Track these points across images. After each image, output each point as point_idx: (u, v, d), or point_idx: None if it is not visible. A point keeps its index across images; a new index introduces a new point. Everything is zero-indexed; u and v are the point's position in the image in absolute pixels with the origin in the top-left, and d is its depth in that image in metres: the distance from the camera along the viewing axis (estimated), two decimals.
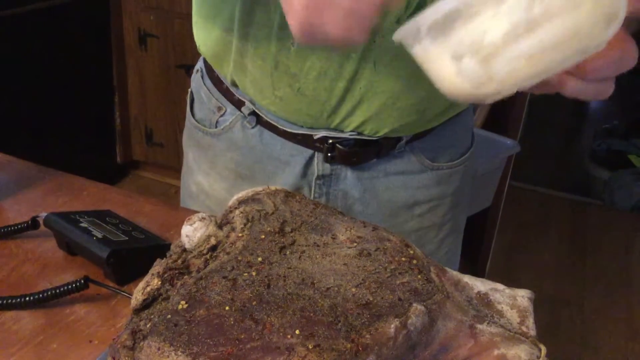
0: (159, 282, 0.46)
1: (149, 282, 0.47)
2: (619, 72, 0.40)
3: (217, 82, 0.77)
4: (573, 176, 2.90)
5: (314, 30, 0.39)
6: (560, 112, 3.48)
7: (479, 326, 0.46)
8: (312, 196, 0.77)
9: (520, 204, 2.69)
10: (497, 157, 1.90)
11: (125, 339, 0.43)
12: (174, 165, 2.48)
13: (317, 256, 0.49)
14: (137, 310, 0.46)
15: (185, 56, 2.30)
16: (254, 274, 0.46)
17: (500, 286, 0.51)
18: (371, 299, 0.44)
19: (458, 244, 0.89)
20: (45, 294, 0.59)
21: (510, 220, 2.51)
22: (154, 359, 0.40)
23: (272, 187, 0.57)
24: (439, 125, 0.75)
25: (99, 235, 0.64)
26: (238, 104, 0.75)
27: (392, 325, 0.42)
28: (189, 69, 2.28)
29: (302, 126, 0.72)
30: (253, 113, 0.74)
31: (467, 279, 0.52)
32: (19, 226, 0.68)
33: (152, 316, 0.44)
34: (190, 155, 0.85)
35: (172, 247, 0.52)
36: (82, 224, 0.65)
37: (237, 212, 0.53)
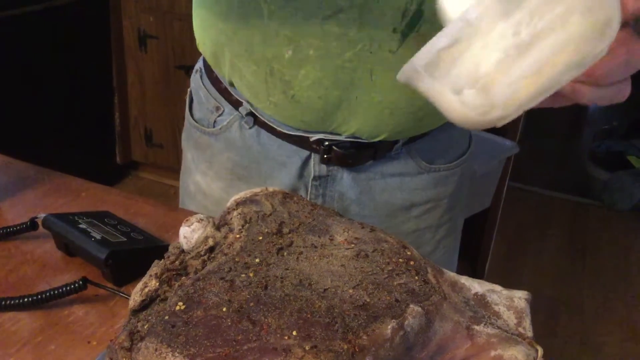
0: (157, 283, 0.47)
1: (147, 283, 0.47)
2: (629, 72, 0.40)
3: (215, 82, 0.78)
4: (572, 177, 2.90)
5: None
6: (559, 113, 3.47)
7: (476, 327, 0.46)
8: (308, 197, 0.77)
9: (520, 205, 2.69)
10: (496, 158, 1.91)
11: (123, 340, 0.43)
12: (173, 166, 2.48)
13: (315, 257, 0.49)
14: (135, 312, 0.46)
15: (184, 57, 2.30)
16: (251, 275, 0.46)
17: (497, 287, 0.51)
18: (368, 300, 0.45)
19: (455, 246, 0.89)
20: (43, 295, 0.59)
21: (510, 221, 2.51)
22: None
23: (270, 189, 0.57)
24: (437, 127, 0.76)
25: (98, 237, 0.64)
26: (236, 104, 0.75)
27: (389, 327, 0.42)
28: (188, 70, 2.28)
29: (298, 129, 0.72)
30: (250, 113, 0.74)
31: (464, 280, 0.52)
32: (18, 227, 0.68)
33: (149, 317, 0.44)
34: (188, 155, 0.85)
35: (170, 248, 0.52)
36: (81, 225, 0.66)
37: (234, 213, 0.53)
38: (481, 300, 0.50)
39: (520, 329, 0.49)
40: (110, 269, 0.62)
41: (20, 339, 0.56)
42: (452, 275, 0.52)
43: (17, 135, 2.06)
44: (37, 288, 0.61)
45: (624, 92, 0.41)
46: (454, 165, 0.79)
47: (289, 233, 0.52)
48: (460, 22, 0.35)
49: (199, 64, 0.83)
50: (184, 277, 0.47)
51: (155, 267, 0.48)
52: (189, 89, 0.85)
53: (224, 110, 0.77)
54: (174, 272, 0.48)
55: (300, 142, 0.73)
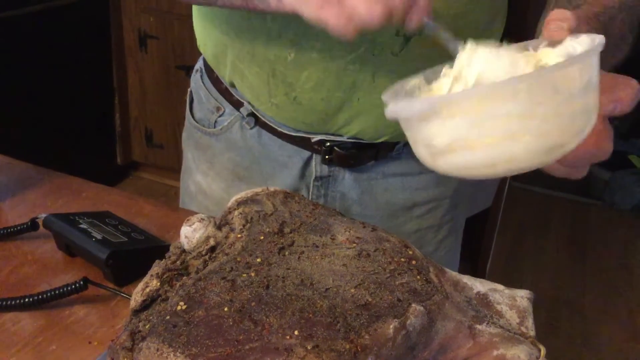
0: (158, 283, 0.46)
1: (148, 283, 0.47)
2: (591, 162, 0.46)
3: (216, 82, 0.77)
4: None
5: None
6: None
7: (478, 327, 0.46)
8: (310, 197, 0.77)
9: (521, 205, 2.69)
10: None
11: (124, 340, 0.43)
12: (173, 166, 2.48)
13: (316, 257, 0.49)
14: (136, 312, 0.46)
15: (185, 57, 2.30)
16: (252, 274, 0.46)
17: (499, 287, 0.51)
18: (370, 299, 0.44)
19: (457, 245, 0.89)
20: (44, 295, 0.59)
21: (511, 221, 2.50)
22: None
23: (271, 188, 0.57)
24: None
25: (99, 237, 0.64)
26: (237, 105, 0.75)
27: (391, 326, 0.42)
28: (188, 70, 2.26)
29: (299, 130, 0.72)
30: (252, 114, 0.74)
31: (467, 279, 0.52)
32: (19, 227, 0.68)
33: (151, 317, 0.44)
34: (189, 155, 0.85)
35: (171, 248, 0.52)
36: (82, 225, 0.65)
37: (236, 213, 0.53)
38: (483, 300, 0.50)
39: (523, 329, 0.48)
40: (111, 269, 0.62)
41: (21, 339, 0.56)
42: (454, 274, 0.52)
43: (18, 136, 2.05)
44: (38, 288, 0.61)
45: (580, 174, 0.47)
46: None
47: (291, 233, 0.52)
48: (427, 102, 0.42)
49: (199, 64, 0.83)
50: (185, 277, 0.47)
51: (157, 267, 0.48)
52: (189, 89, 0.84)
53: (224, 111, 0.77)
54: (175, 272, 0.48)
55: (302, 142, 0.73)
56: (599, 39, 0.41)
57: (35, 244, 0.69)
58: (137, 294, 0.46)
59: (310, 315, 0.42)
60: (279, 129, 0.73)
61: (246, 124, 0.75)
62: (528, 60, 0.43)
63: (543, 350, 0.46)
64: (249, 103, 0.74)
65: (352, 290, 0.45)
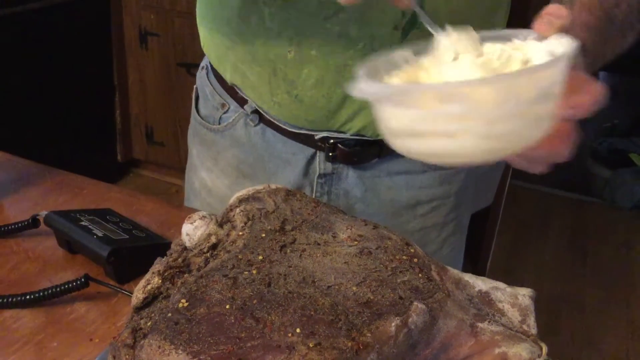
0: (160, 281, 0.46)
1: (150, 281, 0.47)
2: (548, 162, 0.47)
3: (221, 79, 0.78)
4: (574, 175, 2.89)
5: None
6: None
7: (480, 325, 0.46)
8: (313, 195, 0.77)
9: (521, 203, 2.68)
10: None
11: (126, 337, 0.43)
12: (174, 164, 2.48)
13: (318, 255, 0.49)
14: (138, 309, 0.46)
15: (186, 54, 2.29)
16: (254, 272, 0.46)
17: (501, 285, 0.51)
18: (372, 297, 0.44)
19: (461, 243, 0.89)
20: (45, 293, 0.59)
21: (511, 219, 2.50)
22: (155, 358, 0.40)
23: (273, 186, 0.57)
24: None
25: (100, 234, 0.64)
26: (241, 102, 0.76)
27: (393, 324, 0.42)
28: (189, 68, 2.28)
29: (302, 127, 0.72)
30: (256, 111, 0.75)
31: (468, 277, 0.52)
32: (20, 225, 0.68)
33: (152, 314, 0.44)
34: (194, 152, 0.86)
35: (172, 245, 0.52)
36: (83, 223, 0.65)
37: (237, 210, 0.53)
38: (485, 298, 0.50)
39: (525, 327, 0.48)
40: (112, 267, 0.62)
41: (22, 336, 0.56)
42: (455, 272, 0.52)
43: (19, 133, 2.05)
44: (39, 285, 0.61)
45: (540, 170, 0.48)
46: None
47: (292, 230, 0.51)
48: (385, 87, 0.43)
49: (205, 61, 0.83)
50: (186, 275, 0.47)
51: (158, 265, 0.48)
52: (194, 86, 0.85)
53: (229, 108, 0.77)
54: (176, 270, 0.48)
55: (306, 140, 0.73)
56: (570, 48, 0.42)
57: (36, 241, 0.69)
58: (139, 291, 0.46)
59: (312, 313, 0.42)
60: (283, 126, 0.73)
61: (250, 121, 0.75)
62: (501, 55, 0.44)
63: (545, 349, 0.46)
64: (253, 100, 0.74)
65: (354, 288, 0.45)
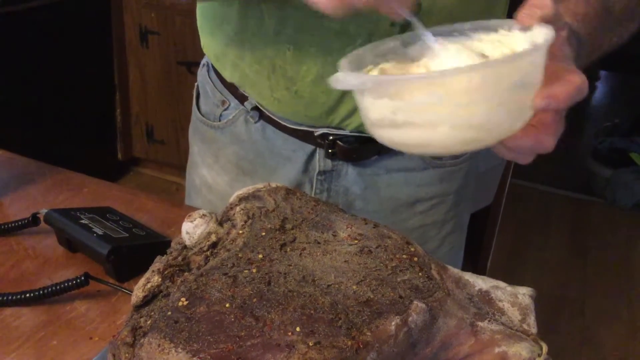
0: (160, 279, 0.46)
1: (150, 279, 0.47)
2: (533, 153, 0.47)
3: (221, 76, 0.78)
4: (575, 174, 2.89)
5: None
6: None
7: (480, 324, 0.46)
8: (313, 192, 0.77)
9: (522, 202, 2.68)
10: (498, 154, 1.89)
11: (126, 335, 0.43)
12: (174, 162, 2.48)
13: (318, 253, 0.49)
14: (138, 307, 0.46)
15: (186, 53, 2.29)
16: (254, 271, 0.46)
17: (501, 284, 0.51)
18: (372, 296, 0.44)
19: (461, 242, 0.89)
20: (45, 291, 0.59)
21: (512, 218, 2.50)
22: (155, 356, 0.40)
23: (273, 184, 0.57)
24: None
25: (100, 232, 0.64)
26: (241, 99, 0.76)
27: (393, 323, 0.42)
28: (190, 66, 2.27)
29: (302, 123, 0.72)
30: (256, 108, 0.75)
31: (469, 276, 0.51)
32: (20, 223, 0.68)
33: (152, 313, 0.44)
34: (195, 149, 0.86)
35: (172, 244, 0.52)
36: (83, 221, 0.65)
37: (237, 209, 0.53)
38: (485, 297, 0.50)
39: (525, 326, 0.48)
40: (112, 265, 0.62)
41: (22, 334, 0.56)
42: (456, 271, 0.52)
43: (19, 131, 2.05)
44: (39, 283, 0.61)
45: (524, 160, 0.48)
46: (459, 161, 0.79)
47: (292, 229, 0.51)
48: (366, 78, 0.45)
49: (206, 59, 0.83)
50: (186, 273, 0.47)
51: (158, 263, 0.48)
52: (195, 84, 0.85)
53: (229, 105, 0.78)
54: (176, 268, 0.47)
55: (305, 136, 0.73)
56: (544, 39, 0.42)
57: (36, 239, 0.69)
58: (139, 289, 0.46)
59: (312, 312, 0.42)
60: (283, 123, 0.73)
61: (250, 118, 0.76)
62: (476, 46, 0.45)
63: (545, 348, 0.46)
64: (253, 97, 0.74)
65: (354, 287, 0.45)
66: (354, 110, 0.68)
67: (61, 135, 2.25)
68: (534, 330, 0.48)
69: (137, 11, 2.32)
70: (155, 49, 2.35)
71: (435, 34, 0.48)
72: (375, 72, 0.47)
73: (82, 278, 0.59)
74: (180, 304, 0.43)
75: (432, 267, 0.50)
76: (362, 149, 0.73)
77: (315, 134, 0.72)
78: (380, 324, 0.42)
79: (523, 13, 0.45)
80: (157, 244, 0.67)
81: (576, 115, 3.64)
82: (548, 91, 0.43)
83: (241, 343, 0.40)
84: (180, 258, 0.49)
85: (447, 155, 0.62)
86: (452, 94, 0.40)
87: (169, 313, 0.42)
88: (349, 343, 0.40)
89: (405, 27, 0.62)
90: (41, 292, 0.59)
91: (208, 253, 0.49)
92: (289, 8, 0.63)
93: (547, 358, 0.45)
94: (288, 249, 0.49)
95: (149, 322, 0.43)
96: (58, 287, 0.59)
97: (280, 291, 0.44)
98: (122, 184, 2.39)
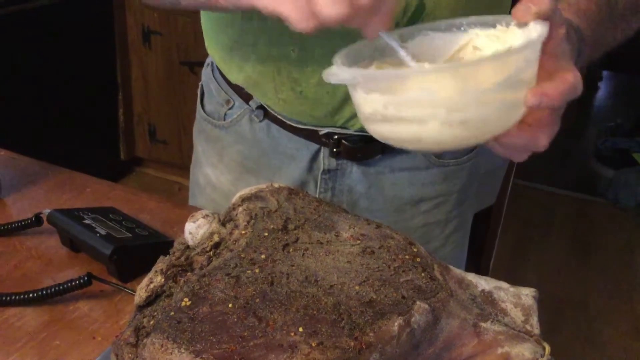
0: (162, 279, 0.46)
1: (152, 279, 0.47)
2: (527, 151, 0.47)
3: (225, 76, 0.78)
4: (577, 174, 2.89)
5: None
6: (564, 110, 3.45)
7: (483, 324, 0.46)
8: (317, 191, 0.77)
9: (524, 202, 2.68)
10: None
11: (129, 335, 0.43)
12: (177, 162, 2.48)
13: (321, 254, 0.49)
14: (141, 307, 0.46)
15: (189, 53, 2.29)
16: (257, 271, 0.46)
17: (504, 284, 0.51)
18: (374, 296, 0.44)
19: (465, 241, 0.89)
20: (48, 291, 0.59)
21: (514, 219, 2.50)
22: (157, 356, 0.40)
23: (276, 185, 0.57)
24: None
25: (103, 232, 0.64)
26: (246, 98, 0.76)
27: (396, 324, 0.42)
28: (192, 66, 2.28)
29: (307, 123, 0.73)
30: (260, 107, 0.75)
31: (471, 277, 0.51)
32: (23, 223, 0.68)
33: (155, 313, 0.44)
34: (199, 148, 0.86)
35: (175, 244, 0.52)
36: (86, 221, 0.65)
37: (240, 209, 0.53)
38: (488, 298, 0.50)
39: (528, 326, 0.48)
40: (115, 265, 0.62)
41: (25, 334, 0.56)
42: (458, 272, 0.52)
43: (22, 131, 2.06)
44: (42, 283, 0.61)
45: (519, 157, 0.48)
46: (463, 160, 0.79)
47: (295, 229, 0.51)
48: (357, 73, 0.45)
49: (210, 58, 0.83)
50: (189, 273, 0.47)
51: (161, 263, 0.48)
52: (200, 83, 0.86)
53: (234, 104, 0.78)
54: (179, 268, 0.48)
55: (310, 135, 0.73)
56: (537, 36, 0.42)
57: (39, 239, 0.69)
58: (142, 289, 0.46)
59: (315, 312, 0.42)
60: (288, 122, 0.73)
61: (255, 117, 0.76)
62: (469, 42, 0.46)
63: (547, 349, 0.46)
64: (258, 98, 0.75)
65: (357, 288, 0.45)
66: None
67: (64, 136, 2.25)
68: (536, 330, 0.48)
69: (140, 11, 2.32)
70: (157, 49, 2.36)
71: (433, 30, 0.48)
72: (372, 67, 0.47)
73: (85, 278, 0.59)
74: (183, 304, 0.43)
75: (435, 268, 0.50)
76: (367, 148, 0.73)
77: (320, 133, 0.72)
78: (383, 324, 0.42)
79: (518, 9, 0.45)
80: (160, 244, 0.67)
81: (579, 116, 3.64)
82: (541, 89, 0.43)
83: (244, 343, 0.40)
84: (183, 258, 0.49)
85: (441, 151, 0.62)
86: (441, 90, 0.40)
87: (172, 313, 0.42)
88: (352, 343, 0.40)
89: (410, 24, 0.62)
90: (44, 292, 0.59)
91: (211, 253, 0.49)
92: None
93: (549, 359, 0.45)
94: (291, 250, 0.49)
95: (151, 322, 0.43)
96: (61, 287, 0.59)
97: (283, 291, 0.44)
98: (125, 184, 2.39)
